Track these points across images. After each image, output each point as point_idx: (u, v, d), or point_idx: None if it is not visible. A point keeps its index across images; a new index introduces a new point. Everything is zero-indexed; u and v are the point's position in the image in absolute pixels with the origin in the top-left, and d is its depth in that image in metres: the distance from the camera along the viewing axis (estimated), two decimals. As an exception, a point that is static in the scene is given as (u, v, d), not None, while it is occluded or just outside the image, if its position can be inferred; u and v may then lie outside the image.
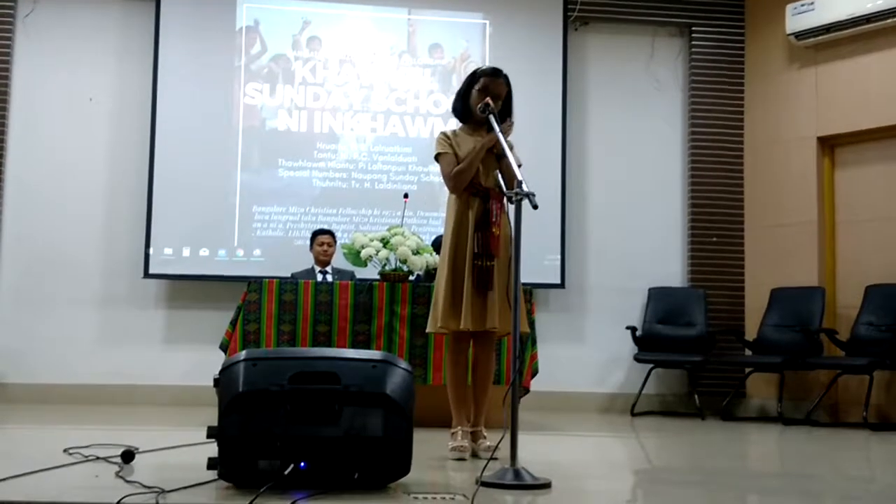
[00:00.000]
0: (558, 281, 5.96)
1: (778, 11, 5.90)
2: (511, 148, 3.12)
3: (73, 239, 5.74)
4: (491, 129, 3.18)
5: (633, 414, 5.71)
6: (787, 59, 6.01)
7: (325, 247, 5.42)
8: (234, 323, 4.44)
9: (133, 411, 5.08)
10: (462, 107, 3.38)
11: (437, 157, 3.34)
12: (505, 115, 3.25)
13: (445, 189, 3.38)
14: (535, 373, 4.53)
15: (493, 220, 3.20)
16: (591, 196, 6.22)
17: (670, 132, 6.32)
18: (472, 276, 3.17)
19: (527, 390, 4.51)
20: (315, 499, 2.21)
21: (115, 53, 5.91)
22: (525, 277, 2.95)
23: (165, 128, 5.75)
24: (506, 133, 3.15)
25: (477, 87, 3.30)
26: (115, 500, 2.14)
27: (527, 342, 4.41)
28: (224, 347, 4.44)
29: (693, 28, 6.30)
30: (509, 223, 3.24)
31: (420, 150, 5.95)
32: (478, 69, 3.40)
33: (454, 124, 3.50)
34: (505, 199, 3.20)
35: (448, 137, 3.34)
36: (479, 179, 3.27)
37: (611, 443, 4.53)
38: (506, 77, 3.35)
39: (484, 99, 3.22)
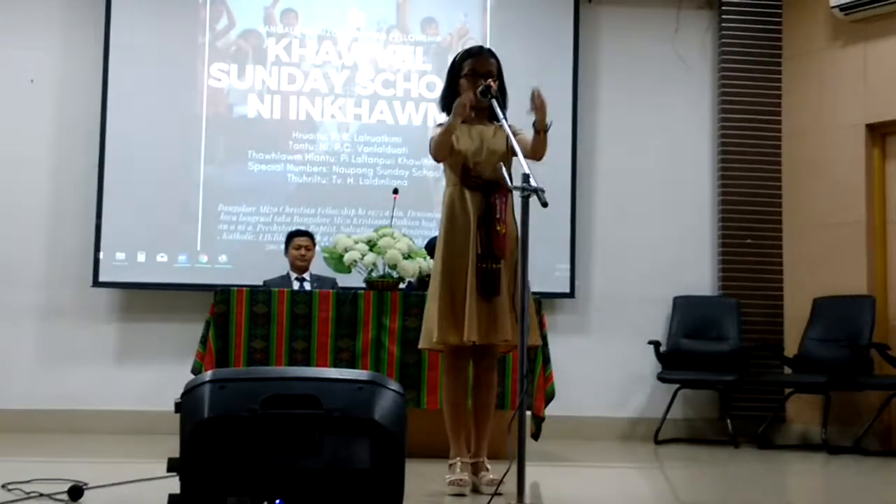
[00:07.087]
0: (567, 290, 5.95)
1: (820, -20, 5.94)
2: (516, 136, 3.13)
3: (11, 241, 5.71)
4: (494, 116, 3.20)
5: (657, 441, 5.72)
6: (830, 34, 6.03)
7: (303, 250, 5.41)
8: (204, 342, 4.41)
9: (81, 440, 5.06)
10: (452, 102, 3.39)
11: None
12: (501, 95, 3.26)
13: (440, 185, 3.39)
14: (550, 398, 4.48)
15: (497, 216, 3.21)
16: (606, 192, 6.22)
17: (697, 119, 6.33)
18: (476, 280, 3.18)
19: (542, 419, 4.49)
20: (293, 541, 2.20)
21: (61, 28, 5.88)
22: (532, 286, 2.95)
23: (118, 115, 5.73)
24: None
25: (464, 72, 3.32)
26: (62, 544, 2.13)
27: (536, 358, 4.40)
28: (197, 371, 4.31)
29: (723, -1, 6.33)
30: (515, 221, 3.25)
31: (411, 141, 5.95)
32: (455, 57, 3.43)
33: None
34: (510, 194, 3.21)
35: None
36: (478, 171, 3.27)
37: (632, 475, 4.54)
38: (490, 51, 3.38)
39: (475, 83, 3.24)
